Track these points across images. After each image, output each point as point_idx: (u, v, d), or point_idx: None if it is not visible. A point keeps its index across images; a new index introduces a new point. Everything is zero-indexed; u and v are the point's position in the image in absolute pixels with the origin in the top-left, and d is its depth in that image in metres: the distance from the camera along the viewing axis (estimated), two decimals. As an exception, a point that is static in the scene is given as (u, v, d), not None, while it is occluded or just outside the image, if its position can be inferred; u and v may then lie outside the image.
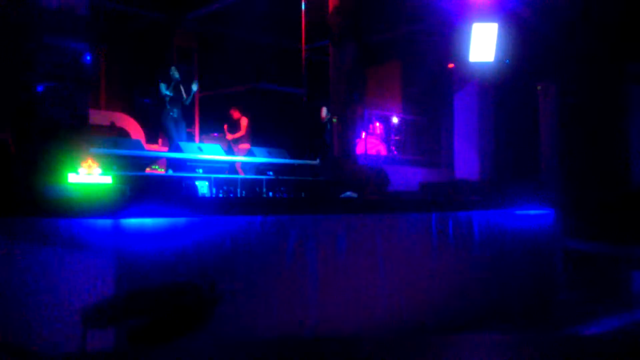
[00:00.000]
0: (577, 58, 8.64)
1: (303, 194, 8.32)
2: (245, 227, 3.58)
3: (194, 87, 9.15)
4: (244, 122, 10.85)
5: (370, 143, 11.29)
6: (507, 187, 7.18)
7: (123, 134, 10.16)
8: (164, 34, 11.56)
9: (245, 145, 10.30)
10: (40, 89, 5.97)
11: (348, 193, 5.36)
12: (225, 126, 10.87)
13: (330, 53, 9.47)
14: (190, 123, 10.81)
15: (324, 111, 10.33)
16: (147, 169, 7.93)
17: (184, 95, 9.00)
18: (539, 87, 9.17)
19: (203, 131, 11.61)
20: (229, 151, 9.88)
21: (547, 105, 9.19)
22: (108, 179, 5.99)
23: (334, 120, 9.88)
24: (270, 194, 8.15)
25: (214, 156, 8.50)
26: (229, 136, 10.76)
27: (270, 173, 8.59)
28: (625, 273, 6.77)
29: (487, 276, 5.18)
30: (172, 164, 8.36)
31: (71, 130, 6.06)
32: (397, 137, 12.24)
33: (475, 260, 5.09)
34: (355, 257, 4.15)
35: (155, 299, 2.15)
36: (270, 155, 8.99)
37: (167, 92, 8.83)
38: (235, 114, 10.92)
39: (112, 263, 3.06)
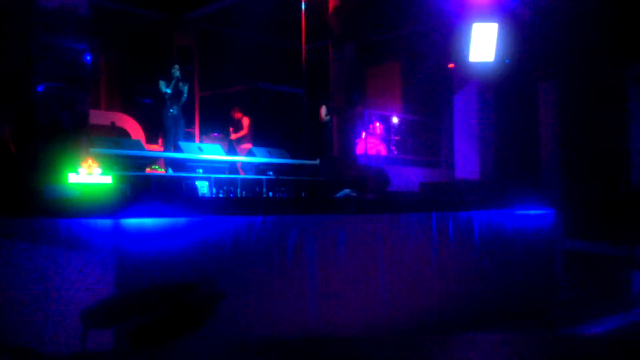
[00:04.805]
0: (577, 57, 8.64)
1: (303, 194, 8.31)
2: (245, 227, 3.57)
3: (186, 88, 9.24)
4: (245, 121, 10.88)
5: (370, 143, 11.29)
6: (507, 187, 7.17)
7: (123, 134, 10.16)
8: (164, 34, 11.55)
9: (248, 145, 10.32)
10: (40, 89, 5.97)
11: (346, 191, 5.34)
12: (231, 129, 10.95)
13: (330, 53, 9.47)
14: (190, 123, 10.82)
15: (324, 110, 10.33)
16: (147, 169, 7.93)
17: (184, 93, 9.07)
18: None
19: (203, 131, 11.61)
20: (230, 151, 9.89)
21: (547, 104, 9.18)
22: (108, 179, 5.98)
23: (327, 117, 9.89)
24: (270, 194, 8.14)
25: (214, 156, 8.50)
26: (233, 136, 10.82)
27: (270, 173, 8.59)
28: (625, 273, 6.76)
29: (487, 276, 5.18)
30: (171, 164, 8.36)
31: (71, 130, 6.06)
32: (397, 137, 12.23)
33: (475, 260, 5.09)
34: (355, 257, 4.15)
35: (155, 299, 2.14)
36: (270, 155, 8.99)
37: (167, 90, 8.88)
38: (237, 114, 10.96)
39: (112, 263, 3.06)
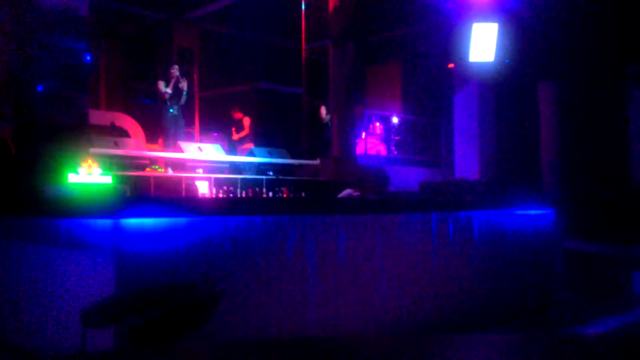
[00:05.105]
0: (577, 58, 8.64)
1: (303, 194, 8.32)
2: (245, 227, 3.57)
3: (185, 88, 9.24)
4: (246, 121, 10.88)
5: (370, 143, 11.29)
6: (507, 187, 7.18)
7: (123, 134, 10.16)
8: (164, 34, 11.55)
9: (249, 145, 10.33)
10: (40, 89, 5.97)
11: (349, 191, 5.33)
12: (233, 129, 10.95)
13: (330, 53, 9.47)
14: (190, 123, 10.82)
15: (324, 110, 10.33)
16: (147, 169, 7.93)
17: (184, 93, 9.07)
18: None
19: (203, 131, 11.61)
20: (230, 151, 9.89)
21: (547, 105, 9.18)
22: (108, 179, 5.99)
23: (327, 117, 9.91)
24: (270, 194, 8.14)
25: (214, 156, 8.50)
26: (235, 136, 10.83)
27: (270, 173, 8.59)
28: (625, 273, 6.77)
29: (486, 276, 5.18)
30: (171, 164, 8.37)
31: (71, 130, 6.06)
32: (397, 137, 12.22)
33: (475, 260, 5.09)
34: (355, 257, 4.15)
35: (155, 299, 2.14)
36: (270, 155, 8.99)
37: (167, 90, 8.88)
38: (237, 114, 10.95)
39: (112, 263, 3.06)
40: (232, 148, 10.46)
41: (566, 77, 8.96)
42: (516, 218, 5.60)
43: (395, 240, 4.46)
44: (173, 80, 8.93)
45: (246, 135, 10.85)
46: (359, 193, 5.23)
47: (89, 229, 3.25)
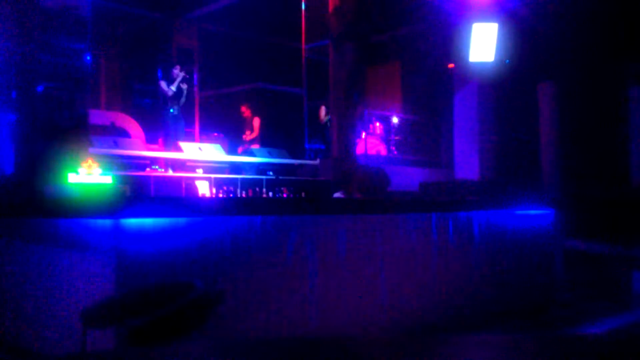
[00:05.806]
0: (577, 58, 8.64)
1: (303, 194, 8.32)
2: (245, 227, 3.57)
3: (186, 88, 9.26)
4: (256, 122, 10.84)
5: (370, 143, 11.28)
6: (507, 187, 7.18)
7: (123, 134, 10.16)
8: (164, 34, 11.56)
9: (256, 146, 10.32)
10: (40, 89, 5.97)
11: (336, 194, 5.35)
12: (248, 132, 10.87)
13: (330, 53, 9.48)
14: (190, 123, 10.82)
15: (323, 110, 10.33)
16: (147, 169, 7.93)
17: (185, 93, 9.10)
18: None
19: (203, 131, 11.61)
20: (230, 151, 9.88)
21: (547, 105, 9.18)
22: (108, 179, 5.98)
23: (327, 118, 9.91)
24: (270, 194, 8.15)
25: (214, 156, 8.51)
26: (247, 138, 10.79)
27: (270, 173, 8.60)
28: (625, 273, 6.76)
29: (486, 276, 5.18)
30: (171, 164, 8.37)
31: (71, 131, 6.06)
32: (397, 137, 12.21)
33: (475, 260, 5.09)
34: (355, 257, 4.15)
35: (155, 299, 2.14)
36: (270, 155, 9.00)
37: (171, 88, 8.90)
38: (247, 112, 10.89)
39: (112, 263, 3.06)
40: (232, 148, 10.46)
41: (566, 77, 8.95)
42: (516, 218, 5.60)
43: (395, 240, 4.46)
44: (177, 80, 8.95)
45: (256, 137, 10.82)
46: (343, 195, 5.24)
47: (89, 229, 3.25)
